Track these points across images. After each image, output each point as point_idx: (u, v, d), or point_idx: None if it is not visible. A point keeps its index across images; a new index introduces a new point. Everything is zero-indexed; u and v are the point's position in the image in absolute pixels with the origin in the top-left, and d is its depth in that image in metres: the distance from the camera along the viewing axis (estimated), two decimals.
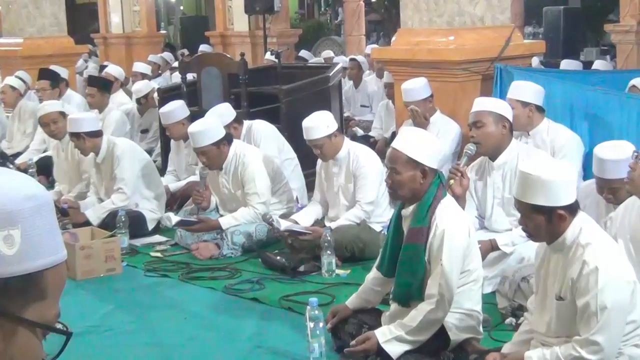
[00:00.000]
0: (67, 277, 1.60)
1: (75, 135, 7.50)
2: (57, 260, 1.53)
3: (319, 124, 6.62)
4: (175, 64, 14.72)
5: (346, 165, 6.71)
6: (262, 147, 7.60)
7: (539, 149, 6.36)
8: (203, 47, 15.87)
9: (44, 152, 10.08)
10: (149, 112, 10.64)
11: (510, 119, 5.76)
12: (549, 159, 4.11)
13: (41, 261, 1.49)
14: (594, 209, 5.24)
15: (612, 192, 4.98)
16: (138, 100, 10.72)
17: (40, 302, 1.50)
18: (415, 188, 4.40)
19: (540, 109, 6.60)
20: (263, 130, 7.86)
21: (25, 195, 1.49)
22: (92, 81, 10.63)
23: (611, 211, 5.03)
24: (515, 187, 3.96)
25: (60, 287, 1.56)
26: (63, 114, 8.31)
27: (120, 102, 11.08)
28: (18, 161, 9.75)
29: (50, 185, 8.77)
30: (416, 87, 7.49)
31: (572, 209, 3.79)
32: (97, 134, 7.54)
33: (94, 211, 7.47)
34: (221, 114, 7.52)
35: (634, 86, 7.26)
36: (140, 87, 10.88)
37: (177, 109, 8.26)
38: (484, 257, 5.16)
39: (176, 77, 12.44)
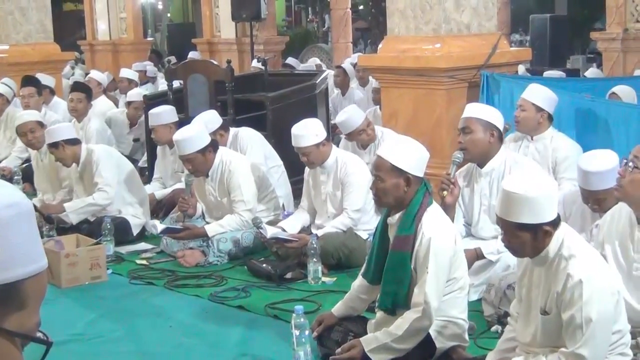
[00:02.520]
0: (49, 285, 1.58)
1: (54, 146, 7.46)
2: (38, 270, 1.51)
3: (307, 132, 6.61)
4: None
5: (334, 172, 6.70)
6: (248, 154, 7.59)
7: (540, 154, 6.37)
8: (192, 54, 15.84)
9: (27, 159, 10.05)
10: (140, 123, 10.63)
11: (500, 127, 5.71)
12: (530, 175, 4.09)
13: (21, 270, 1.47)
14: (579, 217, 5.26)
15: (598, 202, 4.99)
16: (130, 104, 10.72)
17: (20, 311, 1.48)
18: (399, 196, 4.39)
19: (550, 118, 6.58)
20: (249, 137, 7.85)
21: (5, 203, 1.47)
22: (79, 87, 10.57)
23: (597, 219, 5.04)
24: (498, 206, 3.89)
25: (41, 296, 1.54)
26: (40, 124, 8.30)
27: (103, 108, 11.06)
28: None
29: (34, 193, 8.72)
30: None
31: (556, 224, 3.77)
32: (75, 141, 7.53)
33: (74, 203, 7.47)
34: (207, 121, 7.51)
35: (613, 93, 7.28)
36: (133, 94, 10.86)
37: (166, 111, 8.29)
38: (469, 265, 5.16)
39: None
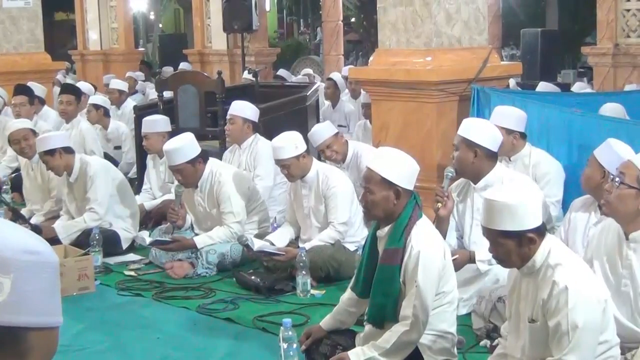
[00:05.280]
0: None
1: (50, 153, 7.39)
2: (47, 324, 1.49)
3: (287, 144, 6.61)
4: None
5: (315, 186, 6.69)
6: (260, 166, 7.68)
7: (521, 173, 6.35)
8: (183, 65, 15.83)
9: (17, 169, 10.01)
10: (114, 127, 10.61)
11: (489, 145, 5.59)
12: (512, 185, 4.10)
13: (26, 318, 1.45)
14: (580, 220, 5.29)
15: (587, 182, 5.18)
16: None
17: None
18: (388, 208, 4.37)
19: (523, 135, 6.59)
20: (267, 151, 7.78)
21: (26, 249, 1.46)
22: (68, 89, 10.54)
23: (598, 221, 5.12)
24: (482, 215, 3.92)
25: (46, 354, 1.51)
26: (34, 132, 8.25)
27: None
28: None
29: (23, 202, 8.70)
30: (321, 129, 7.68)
31: (541, 232, 3.77)
32: (70, 150, 7.49)
33: (64, 227, 7.39)
34: (250, 108, 7.93)
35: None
36: (98, 98, 10.88)
37: (161, 120, 8.34)
38: (461, 267, 5.17)
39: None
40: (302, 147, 6.67)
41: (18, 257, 1.44)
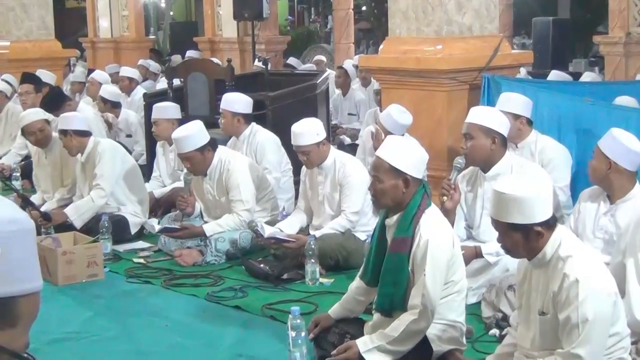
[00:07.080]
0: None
1: (63, 133, 7.49)
2: (33, 289, 1.51)
3: (308, 131, 6.58)
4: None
5: (332, 174, 6.67)
6: (265, 159, 7.64)
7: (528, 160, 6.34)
8: (190, 53, 15.82)
9: (26, 156, 10.01)
10: (123, 117, 10.59)
11: (503, 132, 5.62)
12: (522, 177, 4.08)
13: (17, 287, 1.47)
14: (592, 210, 5.29)
15: (594, 172, 5.23)
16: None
17: (11, 329, 1.48)
18: (397, 197, 4.36)
19: (529, 122, 6.57)
20: (268, 142, 7.76)
21: (8, 218, 1.47)
22: (48, 107, 10.37)
23: (607, 210, 5.11)
24: (490, 207, 3.91)
25: (32, 317, 1.54)
26: (47, 121, 8.21)
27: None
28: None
29: (33, 189, 8.70)
30: (402, 122, 7.40)
31: (550, 225, 3.75)
32: (85, 133, 7.51)
33: (74, 209, 7.39)
34: (240, 101, 7.76)
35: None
36: (106, 91, 10.83)
37: (171, 107, 8.36)
38: (467, 262, 5.15)
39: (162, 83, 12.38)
40: (323, 134, 6.65)
41: (2, 228, 1.45)
